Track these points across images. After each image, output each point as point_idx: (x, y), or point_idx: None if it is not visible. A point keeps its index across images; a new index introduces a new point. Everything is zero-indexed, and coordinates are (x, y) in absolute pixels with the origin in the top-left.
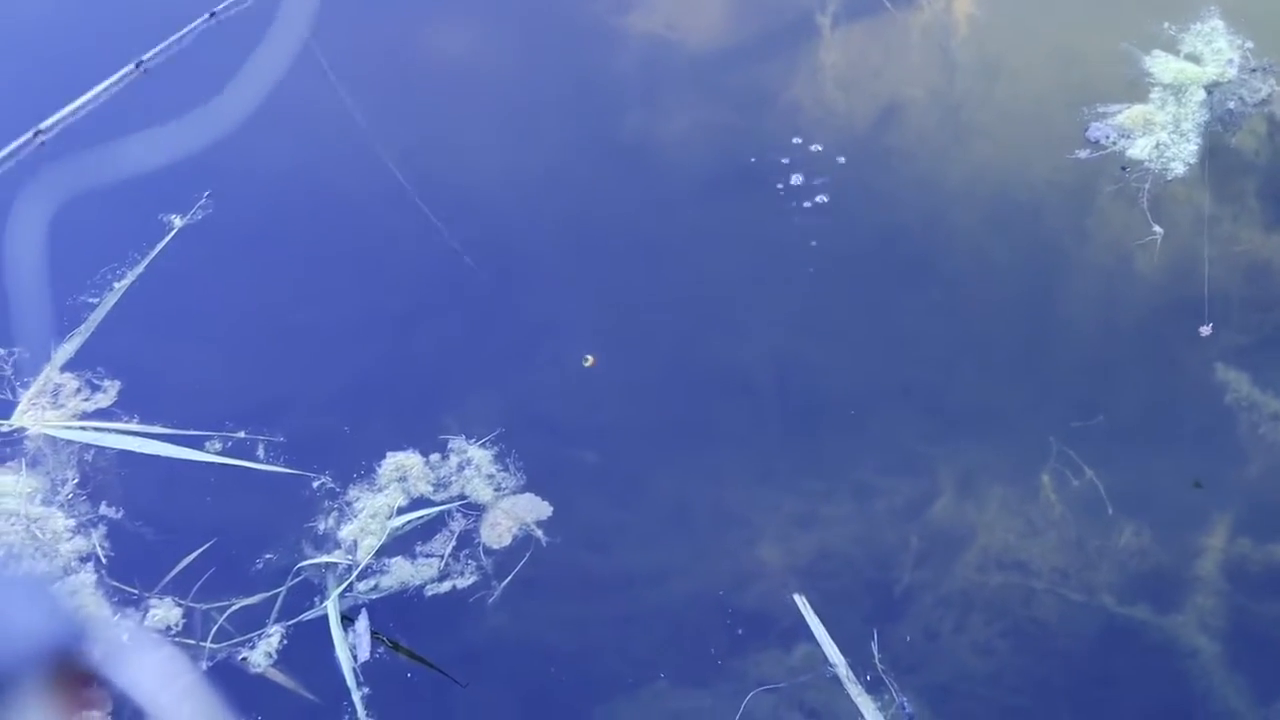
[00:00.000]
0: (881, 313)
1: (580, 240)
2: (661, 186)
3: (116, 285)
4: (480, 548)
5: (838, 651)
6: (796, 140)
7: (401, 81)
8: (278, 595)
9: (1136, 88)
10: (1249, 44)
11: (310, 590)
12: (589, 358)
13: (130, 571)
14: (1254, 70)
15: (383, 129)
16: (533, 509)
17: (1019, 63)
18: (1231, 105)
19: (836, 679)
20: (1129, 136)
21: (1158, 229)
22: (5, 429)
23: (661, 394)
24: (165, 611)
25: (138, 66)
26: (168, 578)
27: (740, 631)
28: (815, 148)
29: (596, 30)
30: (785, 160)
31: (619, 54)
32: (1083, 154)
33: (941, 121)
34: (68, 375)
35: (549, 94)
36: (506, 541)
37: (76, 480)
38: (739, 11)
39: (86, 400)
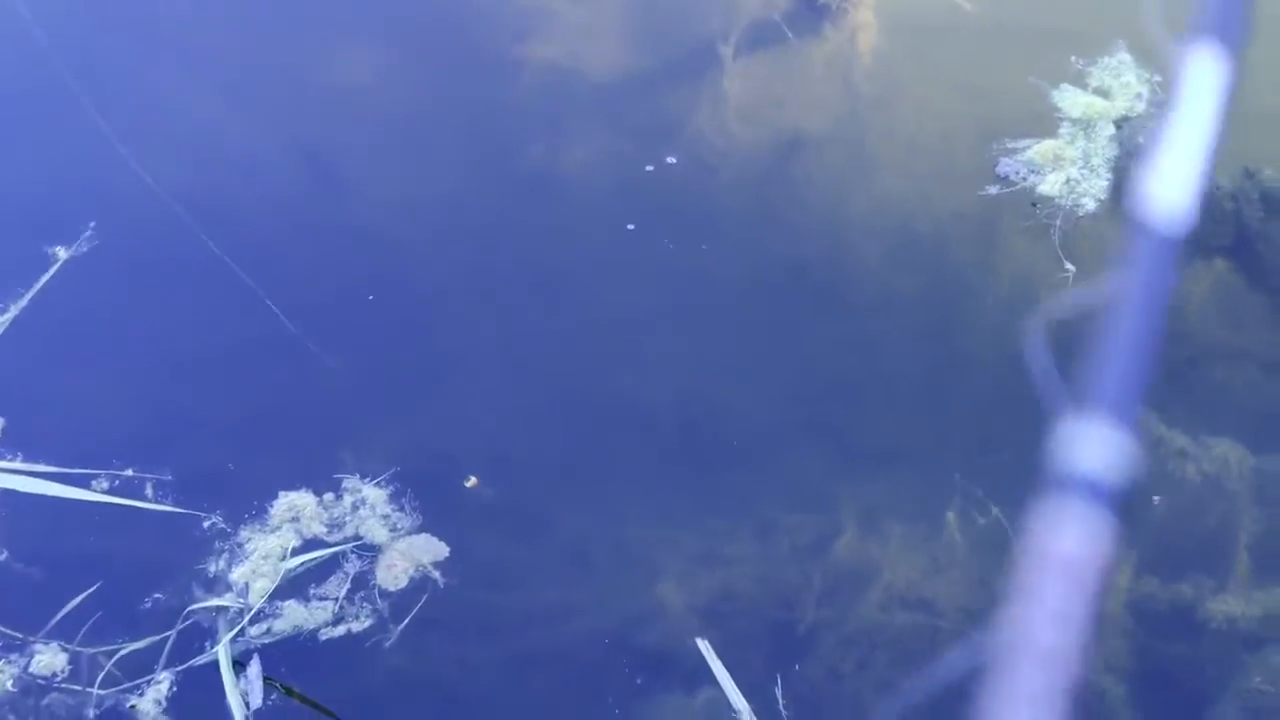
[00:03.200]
0: (785, 346)
1: (480, 271)
2: (562, 216)
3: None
4: (376, 590)
5: (741, 698)
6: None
7: (297, 106)
8: (167, 639)
9: (1045, 122)
10: (1157, 78)
11: (201, 634)
12: (471, 478)
13: (15, 615)
14: (1163, 104)
15: (276, 153)
16: (429, 549)
17: (924, 94)
18: (1141, 139)
19: None
20: (1039, 172)
21: (1070, 266)
22: None
23: (561, 429)
24: (51, 657)
25: None
26: (53, 621)
27: (640, 680)
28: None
29: (497, 59)
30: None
31: (519, 83)
32: (992, 189)
33: (845, 153)
34: None
35: (448, 122)
36: (403, 583)
37: None
38: (641, 41)
39: None
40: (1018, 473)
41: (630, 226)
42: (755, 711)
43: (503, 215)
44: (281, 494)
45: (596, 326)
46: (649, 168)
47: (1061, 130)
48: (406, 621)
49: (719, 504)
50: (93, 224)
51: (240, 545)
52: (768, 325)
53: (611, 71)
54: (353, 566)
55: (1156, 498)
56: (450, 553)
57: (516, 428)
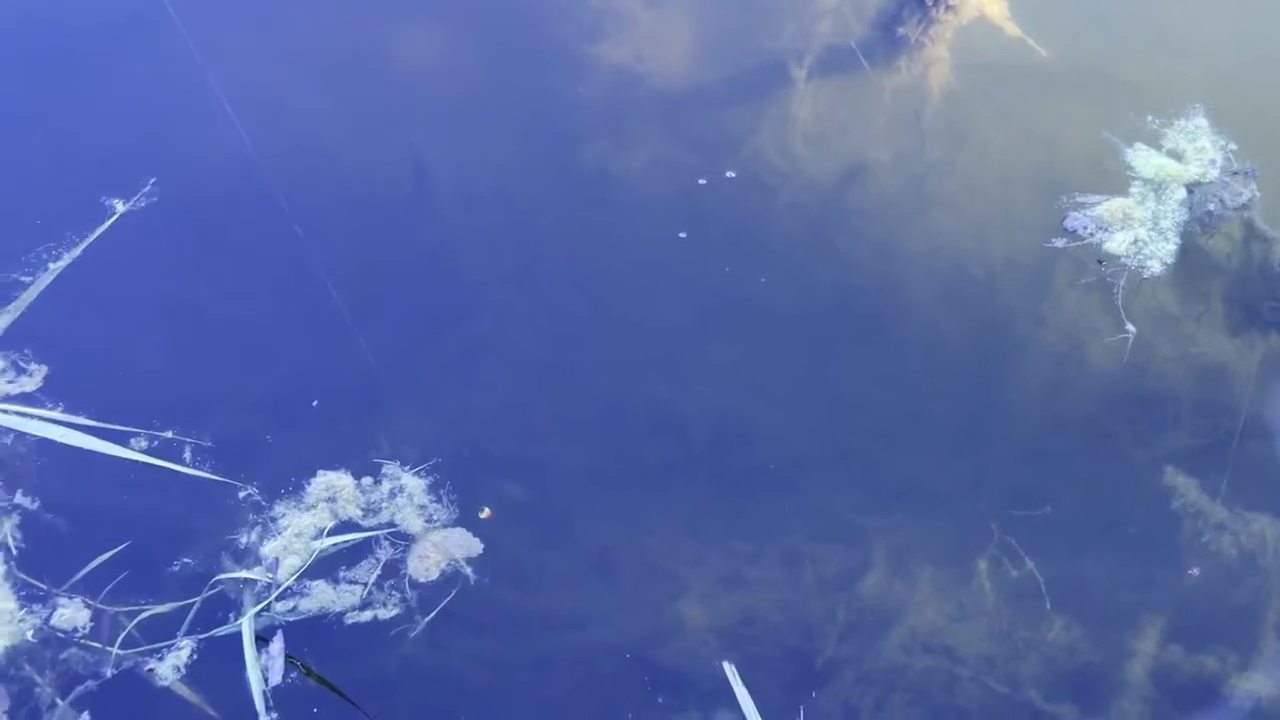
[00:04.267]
0: (827, 374)
1: (528, 264)
2: (615, 219)
3: (52, 266)
4: (406, 579)
5: None
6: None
7: (362, 87)
8: (191, 606)
9: (1116, 179)
10: (1232, 145)
11: (226, 604)
12: (485, 509)
13: (40, 566)
14: (1235, 173)
15: (340, 133)
16: (464, 545)
17: (991, 137)
18: (1211, 207)
19: None
20: (1107, 229)
21: (1130, 327)
22: None
23: (598, 434)
24: (73, 612)
25: None
26: (78, 575)
27: (660, 699)
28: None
29: (565, 54)
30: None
31: (584, 82)
32: (1059, 242)
33: (905, 188)
34: None
35: (510, 113)
36: (434, 575)
37: None
38: (712, 51)
39: (11, 383)
40: (1056, 530)
41: (682, 235)
42: None
43: (556, 211)
44: (320, 473)
45: (639, 333)
46: (702, 180)
47: (1133, 189)
48: (434, 614)
49: (747, 526)
50: (153, 180)
51: (274, 520)
52: (811, 351)
53: (679, 80)
54: (385, 553)
55: (1195, 570)
56: (484, 550)
57: (552, 429)
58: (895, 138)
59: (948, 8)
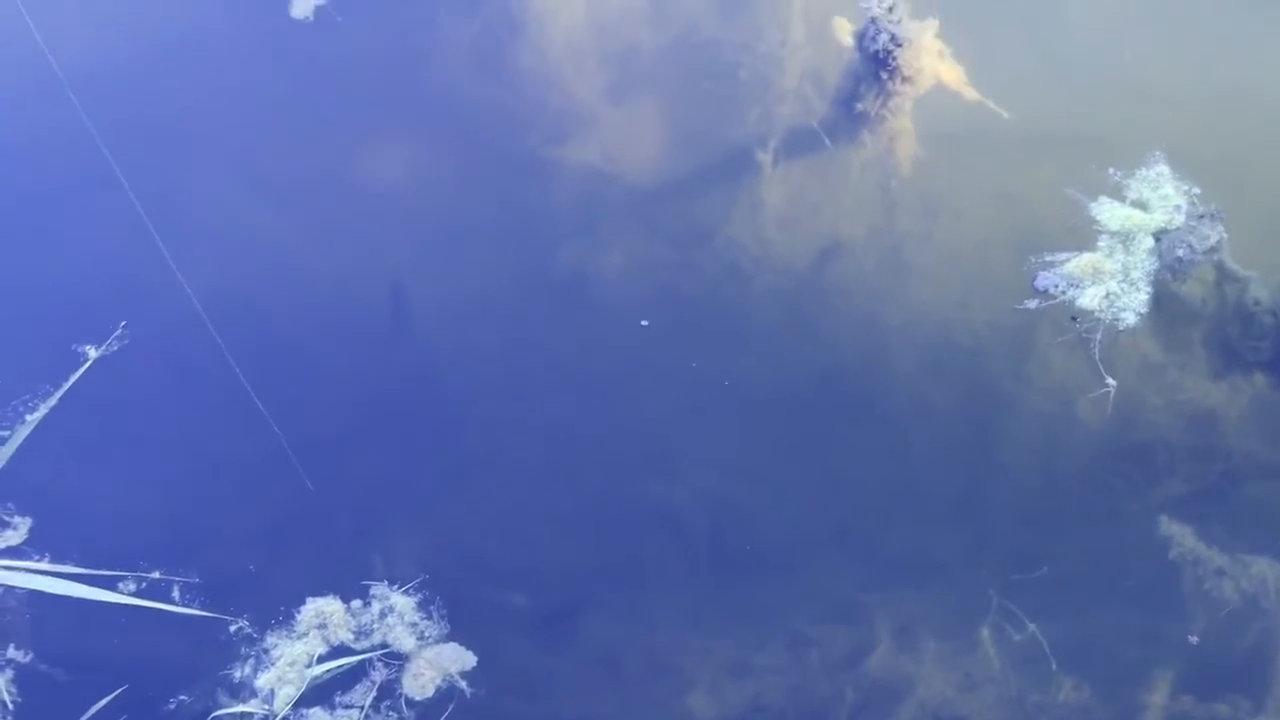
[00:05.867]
0: (817, 455)
1: (512, 373)
2: (595, 320)
3: (29, 418)
4: (402, 699)
5: None
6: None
7: (334, 203)
8: None
9: (1083, 235)
10: (1196, 189)
11: None
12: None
13: (39, 717)
14: (1202, 217)
15: (311, 250)
16: (457, 659)
17: (961, 203)
18: (1180, 253)
19: None
20: (1078, 286)
21: (1111, 381)
22: None
23: (594, 535)
24: None
25: None
26: None
27: None
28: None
29: (532, 161)
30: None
31: (555, 186)
32: (1031, 303)
33: (881, 261)
34: None
35: (482, 223)
36: (429, 692)
37: None
38: (678, 145)
39: None
40: (1056, 590)
41: (645, 322)
42: None
43: (536, 318)
44: (309, 600)
45: (626, 433)
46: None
47: (1100, 243)
48: None
49: (749, 614)
50: (124, 323)
51: (267, 651)
52: (799, 433)
53: (647, 176)
54: (379, 674)
55: (1194, 638)
56: (478, 662)
57: (548, 535)
58: (866, 212)
59: (904, 79)
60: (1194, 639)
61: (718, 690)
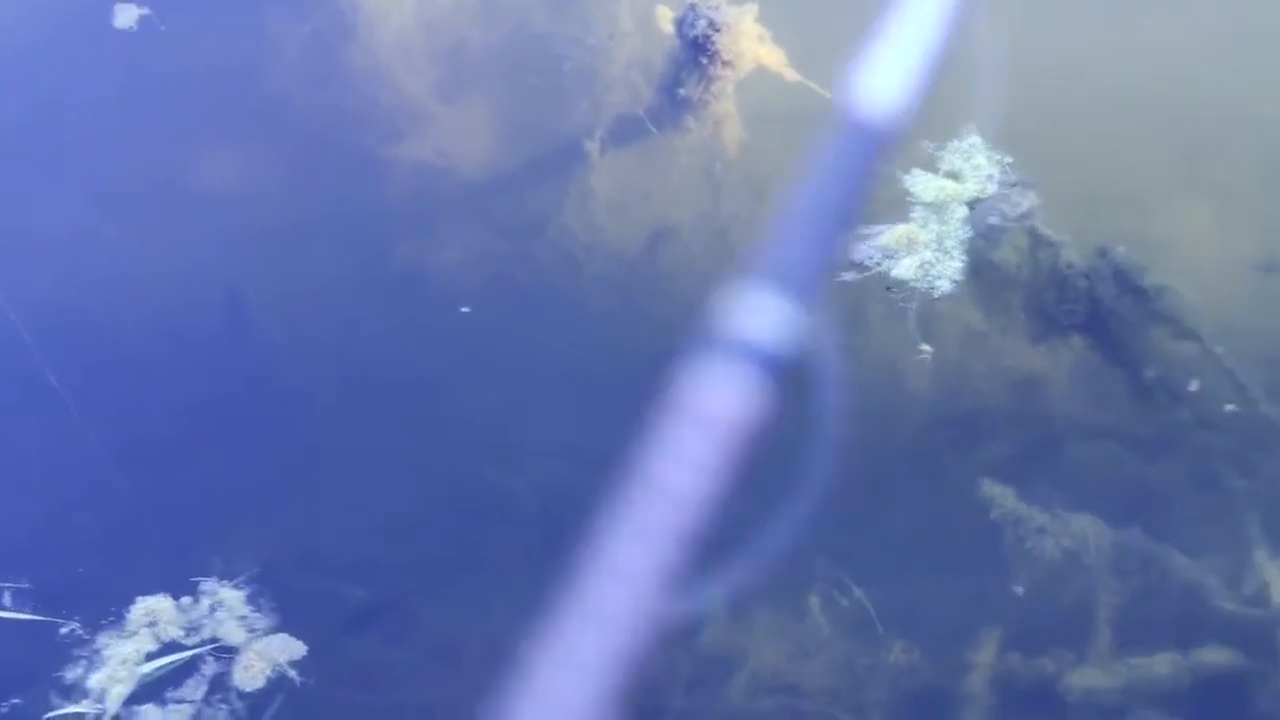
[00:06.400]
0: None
1: (349, 369)
2: (431, 314)
3: None
4: (233, 691)
5: None
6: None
7: (167, 210)
8: None
9: (898, 207)
10: (1008, 159)
11: None
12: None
13: None
14: (1014, 185)
15: (142, 254)
16: (286, 648)
17: (782, 185)
18: (993, 220)
19: None
20: (893, 257)
21: (926, 347)
22: None
23: (431, 526)
24: None
25: None
26: None
27: None
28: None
29: (366, 159)
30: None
31: (389, 183)
32: (848, 276)
33: (709, 244)
34: None
35: (316, 223)
36: (260, 683)
37: None
38: (510, 138)
39: None
40: (881, 556)
41: (465, 309)
42: None
43: (371, 315)
44: (139, 599)
45: (462, 424)
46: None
47: (914, 214)
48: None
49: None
50: None
51: (98, 651)
52: (631, 417)
53: (481, 170)
54: (210, 669)
55: (1019, 589)
56: (311, 653)
57: (383, 527)
58: (694, 197)
59: (724, 64)
60: (1019, 590)
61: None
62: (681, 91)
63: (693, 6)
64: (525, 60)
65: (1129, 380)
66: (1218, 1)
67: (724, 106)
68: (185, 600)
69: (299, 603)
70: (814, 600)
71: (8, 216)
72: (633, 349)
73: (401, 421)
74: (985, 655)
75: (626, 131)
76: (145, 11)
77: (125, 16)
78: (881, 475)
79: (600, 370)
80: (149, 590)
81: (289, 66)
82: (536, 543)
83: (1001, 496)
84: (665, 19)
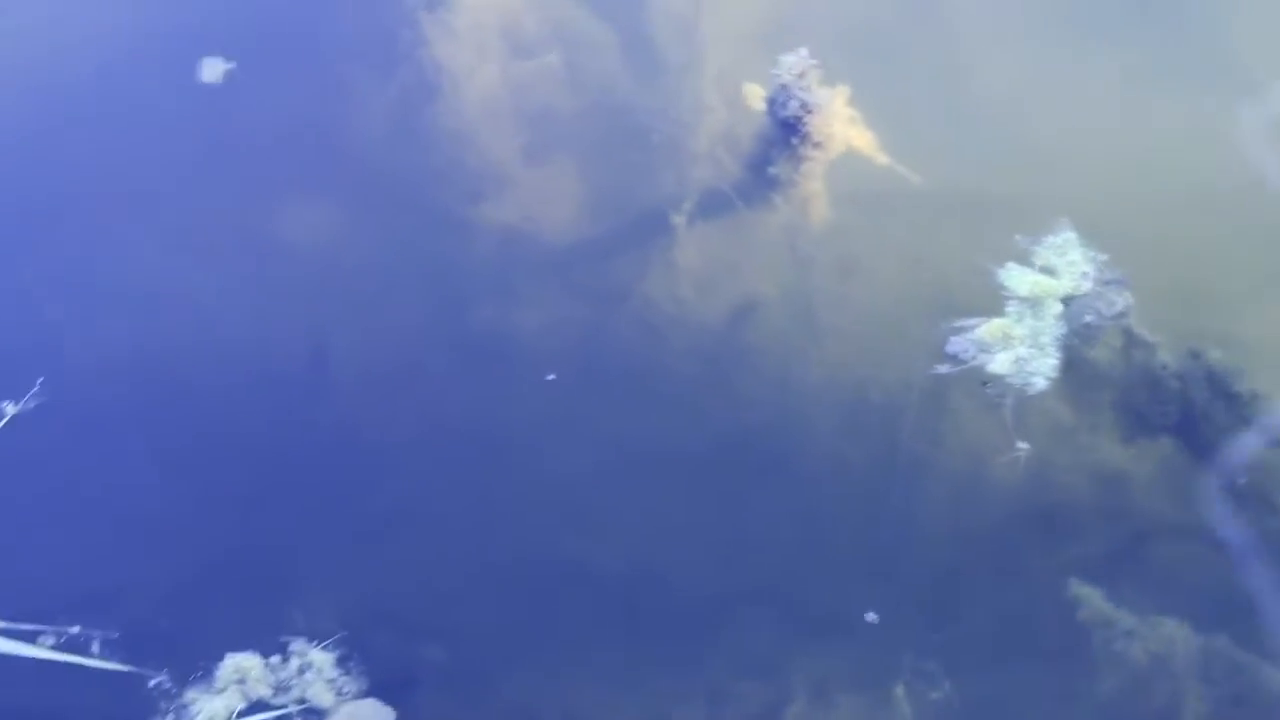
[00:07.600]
0: (734, 512)
1: (429, 431)
2: (513, 377)
3: None
4: None
5: None
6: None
7: (254, 263)
8: None
9: (993, 300)
10: (1103, 256)
11: None
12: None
13: None
14: (1108, 283)
15: (230, 308)
16: (375, 714)
17: (873, 265)
18: (1089, 318)
19: None
20: (989, 350)
21: (1023, 445)
22: None
23: (512, 592)
24: None
25: None
26: None
27: None
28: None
29: (451, 219)
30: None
31: (472, 245)
32: (943, 368)
33: (796, 320)
34: None
35: (402, 282)
36: None
37: None
38: (594, 206)
39: None
40: (970, 649)
41: (551, 376)
42: None
43: (453, 375)
44: (228, 655)
45: (545, 490)
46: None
47: (1009, 308)
48: None
49: (668, 668)
50: (41, 379)
51: (185, 706)
52: (717, 491)
53: (565, 235)
54: None
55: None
56: (396, 718)
57: (463, 590)
58: (780, 273)
59: (815, 145)
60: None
61: None
62: (771, 170)
63: (785, 86)
64: (610, 129)
65: (1219, 484)
66: None
67: (812, 186)
68: (274, 659)
69: (387, 666)
70: (900, 689)
71: (96, 266)
72: (717, 422)
73: (481, 484)
74: None
75: (712, 206)
76: (231, 66)
77: (212, 71)
78: (971, 568)
79: (684, 442)
80: (234, 646)
81: (375, 123)
82: (617, 613)
83: (1089, 597)
84: (755, 96)
